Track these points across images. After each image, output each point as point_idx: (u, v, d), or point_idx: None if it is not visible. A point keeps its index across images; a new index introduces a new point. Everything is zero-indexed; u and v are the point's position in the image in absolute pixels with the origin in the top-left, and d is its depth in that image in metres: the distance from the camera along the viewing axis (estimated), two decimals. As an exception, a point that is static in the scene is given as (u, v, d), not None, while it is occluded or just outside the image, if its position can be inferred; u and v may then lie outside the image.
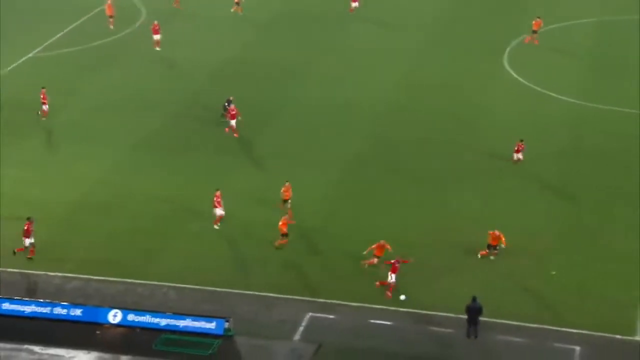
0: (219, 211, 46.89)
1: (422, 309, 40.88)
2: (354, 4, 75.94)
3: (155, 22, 69.22)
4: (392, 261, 41.85)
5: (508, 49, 68.30)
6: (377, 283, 42.39)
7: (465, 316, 39.15)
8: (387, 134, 56.52)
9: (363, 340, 39.13)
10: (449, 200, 49.43)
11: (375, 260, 43.21)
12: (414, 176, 51.75)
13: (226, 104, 57.49)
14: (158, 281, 42.80)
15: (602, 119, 57.99)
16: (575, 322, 40.00)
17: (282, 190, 48.00)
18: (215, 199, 46.77)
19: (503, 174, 51.83)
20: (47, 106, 57.86)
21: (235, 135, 55.84)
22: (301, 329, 39.85)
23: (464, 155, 53.89)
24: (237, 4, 75.22)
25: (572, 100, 60.27)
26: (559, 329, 39.62)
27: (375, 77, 64.33)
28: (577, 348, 38.43)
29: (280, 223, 45.23)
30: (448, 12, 75.23)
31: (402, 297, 41.43)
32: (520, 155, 52.13)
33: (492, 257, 44.13)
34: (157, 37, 68.69)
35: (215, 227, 46.71)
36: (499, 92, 61.99)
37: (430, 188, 50.64)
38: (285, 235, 45.30)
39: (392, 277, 41.69)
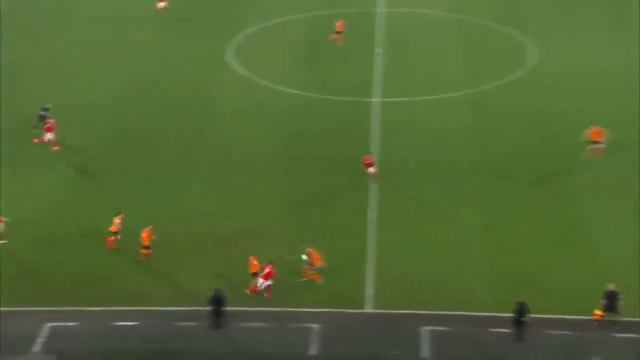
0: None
1: (166, 306, 41.25)
2: (161, 4, 75.01)
3: None
4: (265, 268, 41.62)
5: (233, 44, 69.72)
6: (248, 291, 42.06)
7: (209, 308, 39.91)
8: (119, 131, 56.61)
9: (107, 343, 38.90)
10: (179, 193, 50.10)
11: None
12: (144, 170, 52.35)
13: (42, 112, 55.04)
14: None
15: (324, 108, 60.50)
16: (311, 300, 41.66)
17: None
18: None
19: (231, 166, 53.10)
20: None
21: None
22: (41, 340, 38.97)
23: (195, 149, 54.85)
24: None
25: (296, 92, 62.61)
26: (296, 309, 41.18)
27: (100, 75, 64.14)
28: (315, 325, 40.10)
29: (143, 235, 44.20)
30: (172, 10, 75.69)
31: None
32: None
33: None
34: None
35: None
36: (225, 87, 63.15)
37: (160, 182, 51.28)
38: (147, 247, 44.20)
39: (263, 283, 41.69)
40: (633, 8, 75.26)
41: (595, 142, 52.91)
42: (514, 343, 38.97)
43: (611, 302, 39.79)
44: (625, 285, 41.30)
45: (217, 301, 39.96)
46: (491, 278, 43.31)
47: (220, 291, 40.22)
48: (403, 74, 65.03)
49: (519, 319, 39.07)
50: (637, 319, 40.26)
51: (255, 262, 42.44)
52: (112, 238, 45.28)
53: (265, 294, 42.01)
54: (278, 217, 48.14)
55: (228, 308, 40.05)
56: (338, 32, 69.54)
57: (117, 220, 45.46)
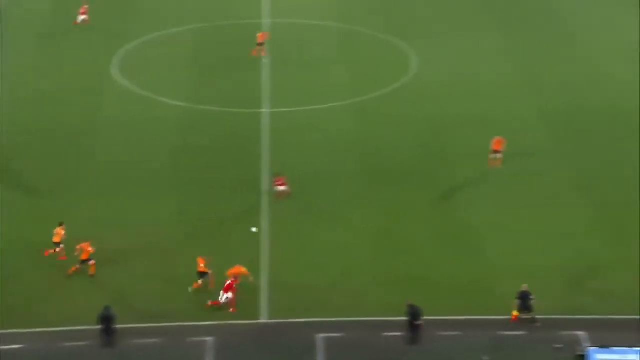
0: None
1: (51, 326, 40.19)
2: (82, 17, 74.48)
3: None
4: (229, 281, 41.27)
5: (118, 57, 68.77)
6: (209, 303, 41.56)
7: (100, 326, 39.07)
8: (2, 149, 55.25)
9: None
10: (68, 210, 48.93)
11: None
12: (30, 188, 51.31)
13: None
14: None
15: (213, 120, 60.10)
16: (205, 313, 41.18)
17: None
18: None
19: (121, 181, 52.31)
20: None
21: None
22: None
23: (83, 165, 53.87)
24: None
25: (182, 104, 62.03)
26: (190, 323, 40.58)
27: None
28: (209, 339, 39.55)
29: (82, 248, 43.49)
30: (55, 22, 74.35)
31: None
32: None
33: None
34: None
35: None
36: (111, 101, 62.14)
37: (49, 199, 50.29)
38: (85, 261, 43.33)
39: (223, 296, 41.09)
40: (513, 16, 77.25)
41: (496, 152, 53.67)
42: (407, 346, 39.23)
43: (524, 301, 40.72)
44: (514, 285, 42.14)
45: (107, 319, 39.11)
46: (383, 282, 43.55)
47: (110, 309, 39.38)
48: (291, 84, 65.08)
49: (412, 322, 39.42)
50: (495, 317, 40.96)
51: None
52: (52, 251, 44.53)
53: (230, 309, 41.29)
54: (170, 231, 47.47)
55: (119, 325, 39.31)
56: (259, 44, 69.44)
57: (60, 231, 44.79)
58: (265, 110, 61.03)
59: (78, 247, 43.60)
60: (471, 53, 69.60)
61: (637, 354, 38.08)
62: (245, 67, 67.49)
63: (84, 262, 43.53)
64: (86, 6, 74.95)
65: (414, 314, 39.33)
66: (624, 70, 66.05)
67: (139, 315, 40.89)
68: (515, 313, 40.81)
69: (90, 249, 43.56)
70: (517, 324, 40.47)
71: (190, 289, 42.60)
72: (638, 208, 49.36)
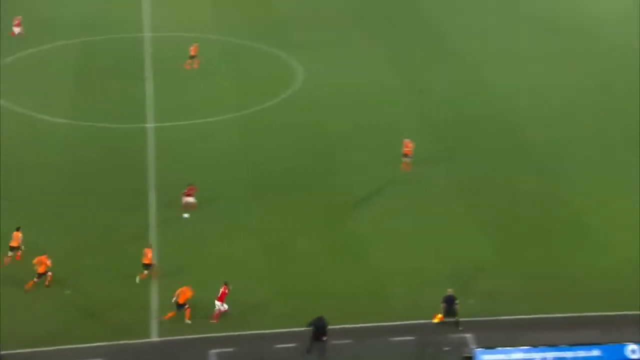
0: None
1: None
2: (17, 29, 73.98)
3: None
4: (221, 290, 41.59)
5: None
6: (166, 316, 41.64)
7: None
8: None
9: None
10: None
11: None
12: None
13: None
14: None
15: (99, 136, 59.50)
16: (93, 335, 40.67)
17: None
18: None
19: (8, 202, 51.07)
20: None
21: None
22: None
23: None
24: None
25: (64, 121, 61.15)
26: (77, 346, 39.90)
27: None
28: (99, 360, 39.31)
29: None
30: None
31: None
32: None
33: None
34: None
35: None
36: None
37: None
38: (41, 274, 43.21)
39: (222, 305, 41.51)
40: (393, 26, 78.57)
41: (406, 155, 54.50)
42: (302, 357, 39.56)
43: (449, 306, 41.64)
44: (404, 291, 43.05)
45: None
46: (276, 293, 43.78)
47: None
48: (176, 98, 64.85)
49: (317, 335, 39.66)
50: (387, 323, 41.89)
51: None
52: (9, 257, 44.76)
53: (213, 320, 41.50)
54: (61, 250, 46.45)
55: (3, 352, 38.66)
56: (192, 57, 69.14)
57: (18, 235, 45.32)
58: (150, 125, 60.68)
59: (36, 260, 43.46)
60: (354, 63, 70.52)
61: (522, 352, 39.34)
62: (129, 81, 67.03)
63: (41, 275, 43.44)
64: (20, 17, 74.21)
65: (322, 325, 39.52)
66: (503, 79, 67.88)
67: (25, 339, 40.16)
68: (439, 316, 41.65)
69: (48, 262, 43.49)
70: (407, 329, 41.24)
71: (137, 279, 43.81)
72: (521, 211, 50.95)
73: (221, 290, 41.86)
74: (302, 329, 39.75)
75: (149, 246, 45.28)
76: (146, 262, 44.26)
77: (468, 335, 40.90)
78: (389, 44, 74.49)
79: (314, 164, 56.31)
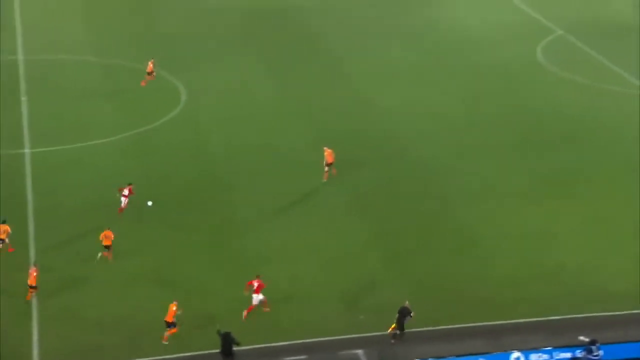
0: None
1: None
2: None
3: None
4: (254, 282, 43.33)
5: None
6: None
7: None
8: None
9: None
10: None
11: None
12: None
13: None
14: None
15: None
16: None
17: None
18: None
19: None
20: None
21: None
22: None
23: None
24: None
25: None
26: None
27: None
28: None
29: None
30: None
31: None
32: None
33: None
34: None
35: None
36: None
37: None
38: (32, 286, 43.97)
39: (256, 298, 43.13)
40: (278, 44, 78.89)
41: (328, 164, 55.27)
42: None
43: (402, 317, 42.12)
44: (294, 310, 43.47)
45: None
46: (161, 319, 42.87)
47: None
48: (54, 122, 63.66)
49: (227, 349, 39.97)
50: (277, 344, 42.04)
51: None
52: None
53: (264, 309, 43.28)
54: None
55: None
56: (149, 74, 68.76)
57: (5, 227, 47.29)
58: (27, 150, 59.51)
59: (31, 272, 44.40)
60: (240, 82, 70.50)
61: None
62: (4, 105, 65.73)
63: (33, 287, 43.95)
64: None
65: (229, 340, 40.06)
66: (388, 96, 68.64)
67: None
68: (392, 326, 42.16)
69: (35, 274, 44.21)
70: (298, 348, 41.45)
71: (98, 256, 47.18)
72: (409, 224, 51.85)
73: (256, 283, 43.43)
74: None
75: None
76: (106, 244, 47.24)
77: (359, 352, 41.36)
78: (275, 62, 74.73)
79: (201, 184, 56.02)
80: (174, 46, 77.71)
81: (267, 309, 43.70)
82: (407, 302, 42.64)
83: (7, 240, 48.01)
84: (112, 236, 47.49)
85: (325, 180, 55.54)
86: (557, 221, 52.44)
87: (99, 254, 47.41)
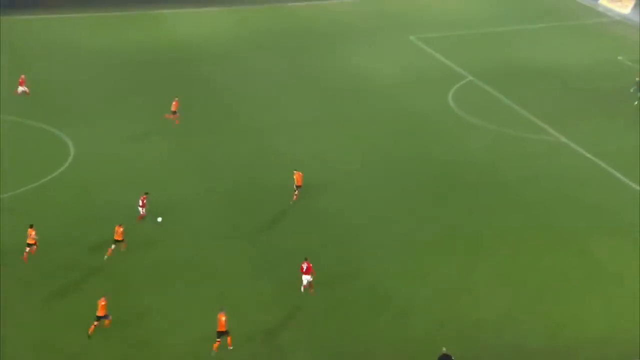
0: None
1: None
2: (21, 88, 73.26)
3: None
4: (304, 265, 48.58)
5: None
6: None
7: None
8: None
9: None
10: None
11: None
12: None
13: None
14: None
15: None
16: None
17: None
18: None
19: None
20: None
21: None
22: None
23: None
24: None
25: None
26: None
27: None
28: None
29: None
30: None
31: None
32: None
33: None
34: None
35: None
36: None
37: None
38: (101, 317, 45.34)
39: (305, 278, 48.72)
40: (165, 94, 76.77)
41: (298, 187, 57.62)
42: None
43: None
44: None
45: None
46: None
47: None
48: None
49: None
50: None
51: (223, 319, 44.68)
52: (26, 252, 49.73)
53: (310, 290, 48.61)
54: None
55: None
56: (173, 112, 69.08)
57: (31, 232, 51.51)
58: None
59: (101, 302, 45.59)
60: (129, 136, 68.41)
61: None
62: None
63: (100, 318, 45.45)
64: (23, 76, 73.44)
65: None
66: (287, 146, 67.40)
67: None
68: None
69: (103, 302, 45.58)
70: None
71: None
72: (320, 284, 49.95)
73: (305, 265, 48.62)
74: None
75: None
76: (117, 238, 52.08)
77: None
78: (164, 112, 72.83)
79: (88, 243, 53.85)
80: (59, 98, 75.32)
81: (312, 291, 48.67)
82: (444, 349, 42.36)
83: (35, 246, 52.03)
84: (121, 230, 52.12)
85: (294, 200, 58.04)
86: (471, 275, 51.52)
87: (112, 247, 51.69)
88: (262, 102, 76.27)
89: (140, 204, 56.18)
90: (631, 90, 77.01)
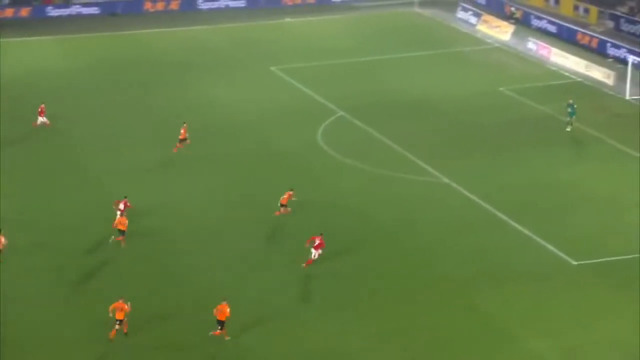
0: None
1: None
2: (41, 119, 71.83)
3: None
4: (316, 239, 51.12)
5: None
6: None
7: None
8: None
9: None
10: None
11: None
12: None
13: None
14: None
15: None
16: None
17: None
18: None
19: None
20: None
21: None
22: None
23: None
24: None
25: None
26: None
27: None
28: None
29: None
30: None
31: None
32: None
33: None
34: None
35: None
36: None
37: None
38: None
39: (315, 253, 51.41)
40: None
41: (282, 205, 58.29)
42: None
43: None
44: None
45: None
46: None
47: None
48: None
49: None
50: None
51: (227, 310, 45.37)
52: None
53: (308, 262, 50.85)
54: None
55: None
56: (182, 140, 68.29)
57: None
58: None
59: (111, 307, 45.51)
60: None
61: None
62: None
63: (120, 321, 45.53)
64: (43, 105, 72.17)
65: None
66: (132, 195, 60.11)
67: None
68: None
69: (126, 307, 45.61)
70: None
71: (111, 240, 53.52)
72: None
73: (317, 240, 51.25)
74: None
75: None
76: (121, 228, 53.92)
77: None
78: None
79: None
80: None
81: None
82: None
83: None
84: (127, 222, 53.57)
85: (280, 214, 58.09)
86: (347, 337, 47.47)
87: (112, 238, 53.44)
88: (101, 144, 71.00)
89: (121, 207, 56.11)
90: (566, 120, 73.82)
